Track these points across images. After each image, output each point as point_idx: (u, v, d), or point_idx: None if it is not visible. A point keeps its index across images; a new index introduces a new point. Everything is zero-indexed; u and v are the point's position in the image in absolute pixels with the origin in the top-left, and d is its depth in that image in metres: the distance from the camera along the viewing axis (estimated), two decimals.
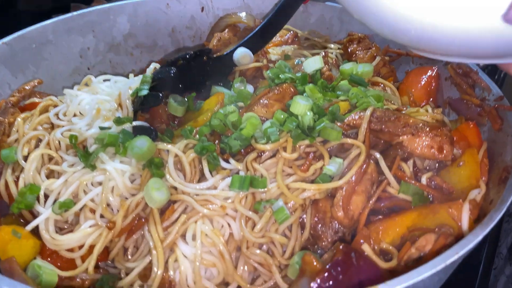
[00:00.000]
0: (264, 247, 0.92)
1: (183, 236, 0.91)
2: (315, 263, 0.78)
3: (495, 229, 1.23)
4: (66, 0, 2.36)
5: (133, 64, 1.54)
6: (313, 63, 1.21)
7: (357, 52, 1.36)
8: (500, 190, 0.82)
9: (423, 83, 1.25)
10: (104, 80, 1.27)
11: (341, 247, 0.79)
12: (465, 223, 0.81)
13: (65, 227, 0.98)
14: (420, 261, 0.81)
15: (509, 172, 0.85)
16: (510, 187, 0.80)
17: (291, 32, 1.51)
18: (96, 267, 0.94)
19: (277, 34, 1.43)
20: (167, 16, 1.54)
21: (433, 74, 1.25)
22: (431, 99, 1.24)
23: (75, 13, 1.39)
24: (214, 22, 1.57)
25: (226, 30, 1.50)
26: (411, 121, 1.01)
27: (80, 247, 0.93)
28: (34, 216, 1.00)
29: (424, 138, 0.98)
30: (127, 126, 1.04)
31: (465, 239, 0.71)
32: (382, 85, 1.25)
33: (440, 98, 1.25)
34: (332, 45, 1.48)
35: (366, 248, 0.83)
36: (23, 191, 0.96)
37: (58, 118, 1.12)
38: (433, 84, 1.25)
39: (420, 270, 0.67)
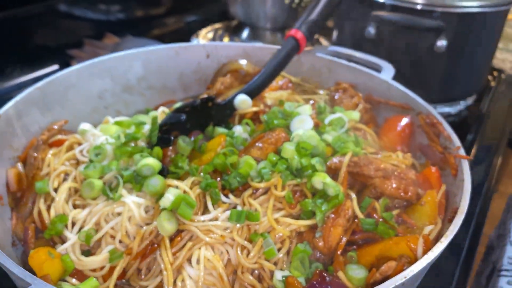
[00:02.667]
0: (256, 271, 1.10)
1: (189, 260, 1.09)
2: (296, 284, 0.95)
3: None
4: (79, 35, 2.59)
5: (145, 104, 1.72)
6: (303, 111, 1.41)
7: (343, 99, 1.56)
8: (449, 227, 1.00)
9: (398, 129, 1.44)
10: None
11: (317, 271, 0.97)
12: (419, 253, 0.99)
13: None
14: None
15: (456, 212, 1.03)
16: (453, 226, 0.98)
17: (286, 78, 1.71)
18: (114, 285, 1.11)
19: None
20: (176, 62, 1.74)
21: (407, 122, 1.44)
22: (404, 143, 1.43)
23: (96, 59, 1.58)
24: (218, 68, 1.76)
25: (228, 75, 1.71)
26: (382, 165, 1.20)
27: (101, 268, 1.11)
28: (62, 239, 1.18)
29: (392, 180, 1.17)
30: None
31: (412, 267, 0.90)
32: (362, 131, 1.44)
33: (413, 143, 1.44)
34: (321, 91, 1.68)
35: (341, 275, 1.01)
36: (54, 220, 1.14)
37: (82, 155, 1.31)
38: (407, 131, 1.43)
39: None
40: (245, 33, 2.80)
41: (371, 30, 2.07)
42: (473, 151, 2.01)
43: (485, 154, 2.02)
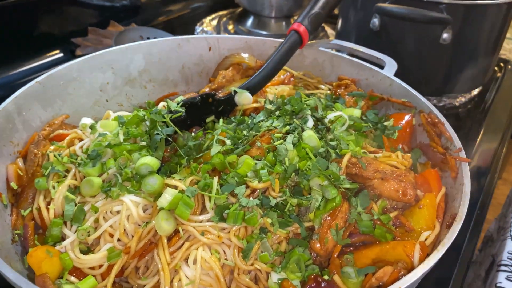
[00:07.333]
0: (253, 272, 1.11)
1: (186, 260, 1.10)
2: None
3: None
4: (84, 23, 2.58)
5: (146, 96, 1.72)
6: None
7: (345, 95, 1.54)
8: (446, 233, 1.00)
9: (399, 127, 1.43)
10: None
11: (312, 276, 0.98)
12: (416, 260, 0.99)
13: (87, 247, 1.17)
14: None
15: (454, 218, 1.02)
16: (451, 233, 0.98)
17: (288, 72, 1.69)
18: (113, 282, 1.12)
19: None
20: (178, 54, 1.73)
21: (408, 120, 1.43)
22: (405, 141, 1.42)
23: (97, 53, 1.57)
24: (220, 60, 1.75)
25: (230, 68, 1.70)
26: (381, 167, 1.19)
27: (100, 266, 1.12)
28: (61, 237, 1.19)
29: (391, 182, 1.16)
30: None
31: (407, 277, 0.89)
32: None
33: (414, 141, 1.43)
34: (323, 86, 1.67)
35: (337, 279, 1.01)
36: (50, 226, 1.15)
37: (83, 152, 1.31)
38: (408, 129, 1.42)
39: None
40: (249, 21, 2.78)
41: (376, 21, 2.04)
42: (477, 141, 1.99)
43: (489, 144, 2.00)
